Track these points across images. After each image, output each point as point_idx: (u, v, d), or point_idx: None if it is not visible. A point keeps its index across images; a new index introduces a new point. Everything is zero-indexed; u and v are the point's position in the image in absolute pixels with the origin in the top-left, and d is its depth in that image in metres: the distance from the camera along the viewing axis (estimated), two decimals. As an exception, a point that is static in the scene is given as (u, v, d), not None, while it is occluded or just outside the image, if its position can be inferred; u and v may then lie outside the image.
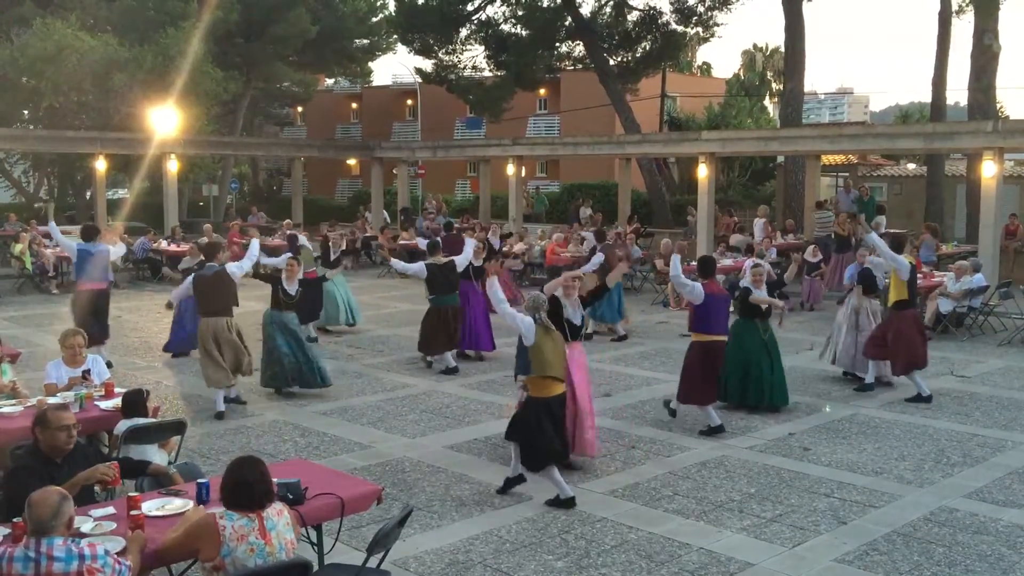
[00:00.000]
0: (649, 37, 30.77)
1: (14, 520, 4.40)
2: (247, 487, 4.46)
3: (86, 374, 7.71)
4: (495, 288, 7.67)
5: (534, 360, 7.18)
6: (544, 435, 7.11)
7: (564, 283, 8.21)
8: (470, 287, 12.73)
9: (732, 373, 9.74)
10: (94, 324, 11.36)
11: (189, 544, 4.43)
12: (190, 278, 10.45)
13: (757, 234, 20.47)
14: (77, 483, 4.99)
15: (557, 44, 31.29)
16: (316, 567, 5.08)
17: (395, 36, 36.00)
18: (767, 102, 48.49)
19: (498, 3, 30.91)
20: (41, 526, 3.96)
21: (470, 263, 12.66)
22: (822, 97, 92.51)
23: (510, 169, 26.56)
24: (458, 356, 12.35)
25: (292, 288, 10.61)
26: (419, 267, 12.15)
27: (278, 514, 4.54)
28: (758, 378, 9.82)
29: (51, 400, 7.11)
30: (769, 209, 22.71)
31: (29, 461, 5.15)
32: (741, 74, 54.65)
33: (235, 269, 10.07)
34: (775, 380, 9.90)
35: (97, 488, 5.89)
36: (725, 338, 9.49)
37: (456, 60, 32.06)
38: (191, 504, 5.00)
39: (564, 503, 7.10)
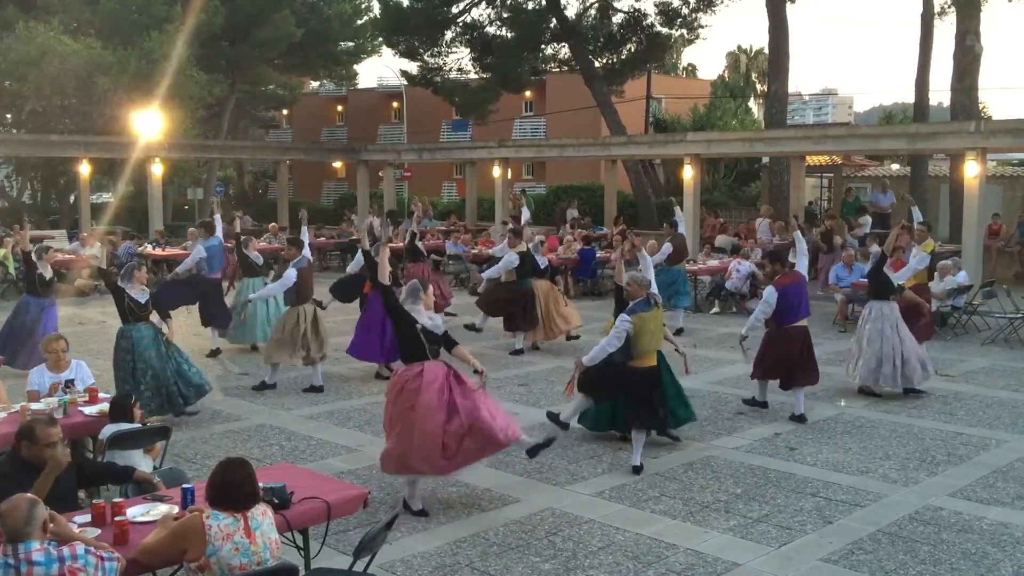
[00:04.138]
0: (634, 39, 30.87)
1: None
2: (233, 487, 4.49)
3: (69, 384, 7.66)
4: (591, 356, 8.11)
5: (634, 348, 7.93)
6: (607, 381, 8.07)
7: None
8: (375, 296, 11.66)
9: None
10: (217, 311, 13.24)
11: (176, 544, 4.43)
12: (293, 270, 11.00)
13: (763, 234, 20.51)
14: (44, 487, 4.97)
15: (542, 46, 31.34)
16: (302, 571, 5.07)
17: (380, 39, 35.93)
18: (752, 103, 48.72)
19: (483, 5, 30.95)
20: (15, 533, 3.94)
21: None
22: (806, 98, 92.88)
23: (496, 171, 26.57)
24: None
25: (142, 297, 9.44)
26: (510, 259, 13.32)
27: (262, 514, 4.58)
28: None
29: (34, 406, 7.06)
30: (772, 209, 22.65)
31: (8, 468, 5.11)
32: (726, 76, 54.89)
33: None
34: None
35: (82, 494, 5.87)
36: (805, 323, 9.69)
37: (441, 62, 32.08)
38: (176, 510, 4.99)
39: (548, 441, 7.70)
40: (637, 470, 7.96)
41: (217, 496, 4.49)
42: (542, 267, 13.78)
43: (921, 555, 6.27)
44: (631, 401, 8.10)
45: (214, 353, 13.33)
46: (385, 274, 7.42)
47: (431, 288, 7.40)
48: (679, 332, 14.05)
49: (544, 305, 13.31)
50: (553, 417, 8.60)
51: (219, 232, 14.20)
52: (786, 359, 9.59)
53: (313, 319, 11.12)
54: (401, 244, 15.95)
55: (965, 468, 8.11)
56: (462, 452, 6.97)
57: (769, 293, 9.57)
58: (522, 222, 13.74)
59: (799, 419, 9.57)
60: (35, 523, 3.99)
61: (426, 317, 7.09)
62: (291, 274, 11.02)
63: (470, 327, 13.58)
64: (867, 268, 15.38)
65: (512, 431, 7.18)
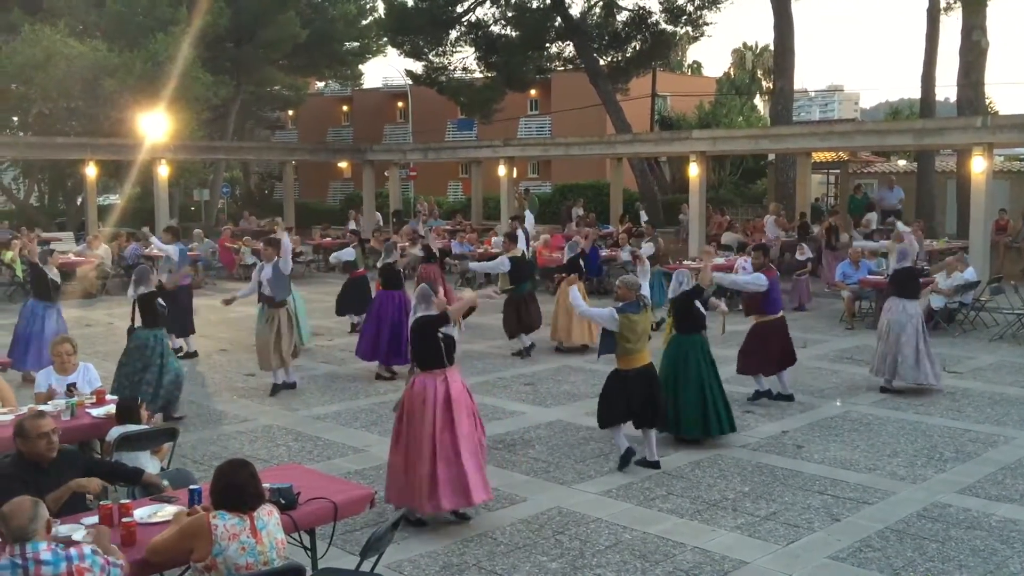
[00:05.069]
0: (639, 37, 30.82)
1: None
2: (237, 489, 4.49)
3: (71, 387, 7.66)
4: (575, 295, 8.74)
5: (620, 341, 7.92)
6: (614, 399, 8.01)
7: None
8: (386, 296, 12.18)
9: (689, 402, 8.62)
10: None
11: (183, 544, 4.43)
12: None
13: (769, 232, 20.49)
14: (61, 497, 5.00)
15: (547, 45, 31.32)
16: (309, 571, 5.08)
17: (385, 39, 35.97)
18: (757, 100, 48.60)
19: (488, 4, 30.95)
20: (21, 532, 3.95)
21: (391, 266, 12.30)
22: (812, 95, 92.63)
23: (501, 170, 26.58)
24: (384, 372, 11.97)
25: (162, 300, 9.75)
26: (500, 261, 13.61)
27: (268, 514, 4.57)
28: (714, 403, 8.71)
29: (41, 408, 7.08)
30: (781, 207, 22.58)
31: (12, 470, 5.14)
32: (731, 73, 54.70)
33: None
34: (724, 403, 8.84)
35: (89, 496, 5.88)
36: (783, 315, 10.31)
37: (446, 62, 32.11)
38: (186, 509, 4.99)
39: (623, 457, 8.04)
40: (655, 465, 8.06)
41: (221, 500, 4.48)
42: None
43: (929, 552, 6.25)
44: (634, 402, 8.01)
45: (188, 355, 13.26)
46: (459, 318, 7.12)
47: (440, 291, 7.30)
48: (658, 325, 13.89)
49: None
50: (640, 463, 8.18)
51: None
52: (770, 351, 10.10)
53: (287, 319, 11.06)
54: (407, 244, 16.04)
55: (973, 465, 8.09)
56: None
57: (758, 276, 10.08)
58: (525, 222, 13.72)
59: (788, 397, 10.21)
60: (39, 522, 4.01)
61: None
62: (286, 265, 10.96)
63: (518, 354, 13.09)
64: (872, 265, 15.42)
65: (481, 494, 6.80)
